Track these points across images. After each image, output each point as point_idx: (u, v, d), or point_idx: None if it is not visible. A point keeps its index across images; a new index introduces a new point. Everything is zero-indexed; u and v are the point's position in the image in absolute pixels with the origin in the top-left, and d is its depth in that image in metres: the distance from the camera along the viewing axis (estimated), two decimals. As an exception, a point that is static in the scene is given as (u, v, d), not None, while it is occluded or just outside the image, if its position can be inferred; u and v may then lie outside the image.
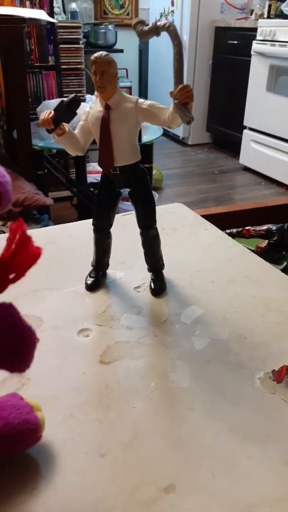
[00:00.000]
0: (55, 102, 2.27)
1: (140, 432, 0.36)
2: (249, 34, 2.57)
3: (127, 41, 3.63)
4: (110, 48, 3.38)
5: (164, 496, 0.31)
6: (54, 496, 0.31)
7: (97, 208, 0.52)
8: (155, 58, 3.52)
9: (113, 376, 0.42)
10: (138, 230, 0.52)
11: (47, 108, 1.85)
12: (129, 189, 0.51)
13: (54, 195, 2.16)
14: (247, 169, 2.76)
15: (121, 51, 3.39)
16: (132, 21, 0.44)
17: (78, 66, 2.58)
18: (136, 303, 0.53)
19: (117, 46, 3.39)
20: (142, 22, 0.43)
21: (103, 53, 0.44)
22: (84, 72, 2.65)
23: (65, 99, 0.43)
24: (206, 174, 2.74)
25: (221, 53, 2.91)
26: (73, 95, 0.43)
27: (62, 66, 2.49)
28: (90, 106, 0.48)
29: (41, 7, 2.37)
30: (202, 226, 0.68)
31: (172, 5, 3.08)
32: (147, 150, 2.01)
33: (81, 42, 2.55)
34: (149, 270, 0.55)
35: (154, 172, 2.33)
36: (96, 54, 0.43)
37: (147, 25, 0.43)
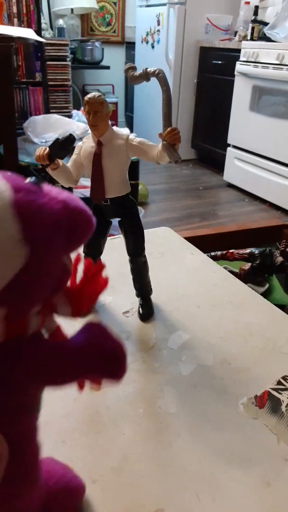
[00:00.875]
0: (42, 118, 2.29)
1: (130, 458, 0.38)
2: (233, 55, 2.65)
3: (114, 57, 3.70)
4: (96, 64, 3.44)
5: (153, 520, 0.33)
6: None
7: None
8: (141, 75, 3.58)
9: (103, 402, 0.43)
10: (126, 255, 0.55)
11: (34, 124, 1.88)
12: (119, 219, 0.54)
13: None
14: (231, 186, 2.82)
15: (108, 67, 3.45)
16: (125, 67, 0.46)
17: (65, 83, 2.62)
18: (125, 328, 0.55)
19: (103, 63, 3.45)
20: (133, 68, 0.46)
21: (96, 94, 0.46)
22: (71, 88, 2.69)
23: (60, 137, 0.46)
24: (191, 190, 2.79)
25: (206, 72, 2.98)
26: (68, 133, 0.45)
27: (49, 82, 2.52)
28: (83, 141, 0.50)
29: (28, 24, 2.41)
30: (188, 250, 0.71)
31: (158, 24, 3.16)
32: (133, 166, 2.05)
33: (68, 59, 2.60)
34: (137, 295, 0.58)
35: (140, 187, 2.37)
36: (89, 96, 0.46)
37: (136, 70, 0.46)
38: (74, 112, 2.76)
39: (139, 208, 2.23)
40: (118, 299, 0.59)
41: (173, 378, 0.46)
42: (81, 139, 0.49)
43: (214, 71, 2.90)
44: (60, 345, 0.26)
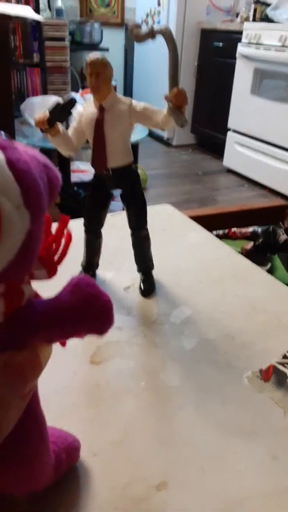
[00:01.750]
0: (40, 99, 2.25)
1: (131, 431, 0.37)
2: (235, 36, 2.60)
3: (113, 40, 3.62)
4: (95, 46, 3.37)
5: (156, 493, 0.32)
6: (47, 493, 0.31)
7: (89, 209, 0.52)
8: (140, 58, 3.52)
9: (104, 376, 0.42)
10: (126, 230, 0.53)
11: (31, 106, 1.84)
12: (120, 190, 0.52)
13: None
14: (230, 171, 2.79)
15: (107, 49, 3.38)
16: (128, 25, 0.44)
17: (63, 64, 2.57)
18: (126, 303, 0.53)
19: (102, 45, 3.38)
20: (138, 26, 0.44)
21: (98, 55, 0.44)
22: (69, 70, 2.64)
23: (60, 99, 0.43)
24: (190, 175, 2.77)
25: (207, 54, 2.93)
26: (69, 96, 0.43)
27: (47, 64, 2.47)
28: (84, 107, 0.48)
29: (26, 3, 2.35)
30: (190, 227, 0.69)
31: (159, 5, 3.09)
32: (132, 150, 2.02)
33: (66, 40, 2.54)
34: (139, 270, 0.56)
35: (139, 172, 2.34)
36: (92, 56, 0.44)
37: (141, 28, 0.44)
38: (73, 93, 2.71)
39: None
40: (118, 275, 0.58)
41: (176, 353, 0.45)
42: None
43: (215, 54, 2.85)
44: (51, 303, 0.25)
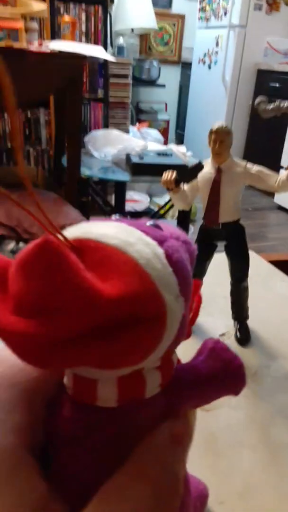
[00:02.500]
0: (102, 132, 2.36)
1: (252, 484, 0.38)
2: (291, 78, 2.65)
3: (169, 76, 3.78)
4: (153, 82, 3.52)
5: None
6: None
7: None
8: (194, 94, 3.64)
9: (216, 425, 0.44)
10: (219, 277, 0.56)
11: (94, 138, 1.94)
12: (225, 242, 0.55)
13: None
14: (281, 208, 2.79)
15: (163, 86, 3.53)
16: (256, 100, 0.48)
17: (125, 99, 2.70)
18: (224, 351, 0.55)
19: (159, 81, 3.53)
20: (265, 101, 0.48)
21: (223, 124, 0.48)
22: (130, 106, 2.76)
23: (188, 164, 0.47)
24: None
25: (262, 94, 3.00)
26: (198, 161, 0.47)
27: (110, 99, 2.61)
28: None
29: (95, 42, 2.51)
30: (277, 276, 0.71)
31: (217, 45, 3.21)
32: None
33: (129, 78, 2.68)
34: (234, 318, 0.58)
35: (192, 205, 2.38)
36: (218, 125, 0.48)
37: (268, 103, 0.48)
38: (130, 128, 2.83)
39: (190, 225, 2.24)
40: (212, 321, 0.60)
41: (282, 408, 0.47)
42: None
43: (271, 94, 2.91)
44: (196, 369, 0.25)
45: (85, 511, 0.18)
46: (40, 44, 1.75)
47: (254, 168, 0.51)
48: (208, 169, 0.51)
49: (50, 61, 1.77)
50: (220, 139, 0.48)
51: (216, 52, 3.22)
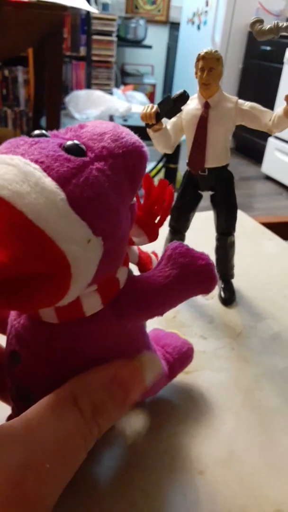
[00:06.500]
0: (84, 93, 2.25)
1: (235, 451, 0.34)
2: (284, 41, 2.55)
3: (156, 37, 3.61)
4: (139, 43, 3.36)
5: (273, 524, 0.29)
6: (158, 516, 0.29)
7: (177, 210, 0.50)
8: (182, 57, 3.49)
9: (197, 388, 0.40)
10: (204, 233, 0.51)
11: (76, 99, 1.84)
12: (211, 192, 0.49)
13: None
14: (268, 178, 2.74)
15: (150, 47, 3.38)
16: (251, 20, 0.42)
17: (109, 59, 2.56)
18: (207, 311, 0.51)
19: (146, 42, 3.37)
20: (261, 21, 0.41)
21: (212, 49, 0.42)
22: (114, 66, 2.62)
23: (171, 94, 0.41)
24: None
25: (252, 58, 2.88)
26: (182, 90, 0.41)
27: (93, 58, 2.47)
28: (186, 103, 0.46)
29: (77, -5, 2.35)
30: (264, 235, 0.67)
31: (207, 5, 3.06)
32: (174, 150, 2.00)
33: (114, 34, 2.53)
34: (219, 277, 0.54)
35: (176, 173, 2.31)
36: (206, 50, 0.41)
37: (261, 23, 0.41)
38: (114, 90, 2.70)
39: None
40: (195, 280, 0.55)
41: (269, 370, 0.42)
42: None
43: (262, 57, 2.80)
44: (151, 279, 0.26)
45: (25, 420, 0.20)
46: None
47: (247, 103, 0.45)
48: (194, 105, 0.45)
49: (28, 11, 1.64)
50: (208, 65, 0.41)
51: (206, 12, 3.07)
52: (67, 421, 0.21)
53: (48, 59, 1.73)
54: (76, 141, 0.21)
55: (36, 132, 0.23)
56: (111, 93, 2.49)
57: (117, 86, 2.95)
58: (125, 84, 3.20)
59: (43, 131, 0.23)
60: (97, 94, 2.21)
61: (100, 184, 0.20)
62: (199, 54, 0.41)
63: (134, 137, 0.23)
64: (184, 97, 0.40)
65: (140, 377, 0.25)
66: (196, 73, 0.43)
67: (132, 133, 0.24)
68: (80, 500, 0.29)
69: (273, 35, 0.40)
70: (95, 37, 2.42)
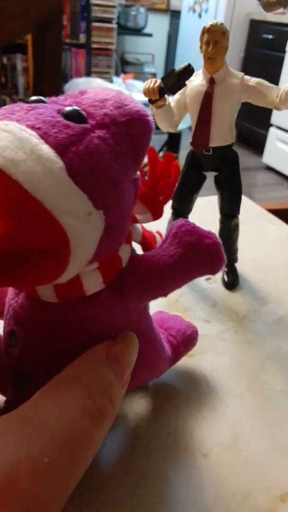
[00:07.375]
0: (84, 81, 2.22)
1: (240, 434, 0.33)
2: (286, 29, 2.51)
3: (157, 25, 3.56)
4: (139, 31, 3.32)
5: (280, 504, 0.29)
6: (155, 496, 0.28)
7: (180, 191, 0.49)
8: (183, 45, 3.45)
9: (200, 371, 0.39)
10: (208, 217, 0.49)
11: (76, 87, 1.83)
12: (216, 173, 0.48)
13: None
14: (269, 169, 2.72)
15: (150, 35, 3.33)
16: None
17: (109, 47, 2.52)
18: (209, 295, 0.50)
19: (146, 30, 3.32)
20: (269, -9, 0.40)
21: (218, 22, 0.40)
22: (114, 54, 2.59)
23: (175, 67, 0.40)
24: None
25: (254, 46, 2.85)
26: (186, 63, 0.39)
27: (93, 45, 2.43)
28: (189, 80, 0.44)
29: (77, -19, 2.31)
30: (269, 220, 0.65)
31: (208, -7, 3.01)
32: (176, 139, 1.98)
33: (114, 22, 2.49)
34: (222, 261, 0.52)
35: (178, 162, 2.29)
36: (211, 22, 0.40)
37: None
38: (114, 78, 2.67)
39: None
40: (198, 264, 0.54)
41: (274, 354, 0.42)
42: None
43: (264, 46, 2.77)
44: (156, 258, 0.25)
45: (20, 410, 0.19)
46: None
47: (253, 79, 0.43)
48: (198, 81, 0.43)
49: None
50: (214, 39, 0.40)
51: (207, 0, 3.02)
52: (67, 404, 0.18)
53: (47, 47, 1.69)
54: (76, 107, 0.20)
55: (33, 98, 0.21)
56: (111, 81, 2.46)
57: (117, 74, 2.91)
58: (125, 72, 3.17)
59: (41, 97, 0.21)
60: (96, 82, 2.18)
61: (101, 153, 0.18)
62: (204, 27, 0.40)
63: (139, 105, 0.22)
64: (188, 71, 0.39)
65: (128, 354, 0.24)
66: (200, 47, 0.41)
67: (136, 101, 0.23)
68: (82, 484, 0.29)
69: (281, 6, 0.39)
70: (95, 24, 2.38)
